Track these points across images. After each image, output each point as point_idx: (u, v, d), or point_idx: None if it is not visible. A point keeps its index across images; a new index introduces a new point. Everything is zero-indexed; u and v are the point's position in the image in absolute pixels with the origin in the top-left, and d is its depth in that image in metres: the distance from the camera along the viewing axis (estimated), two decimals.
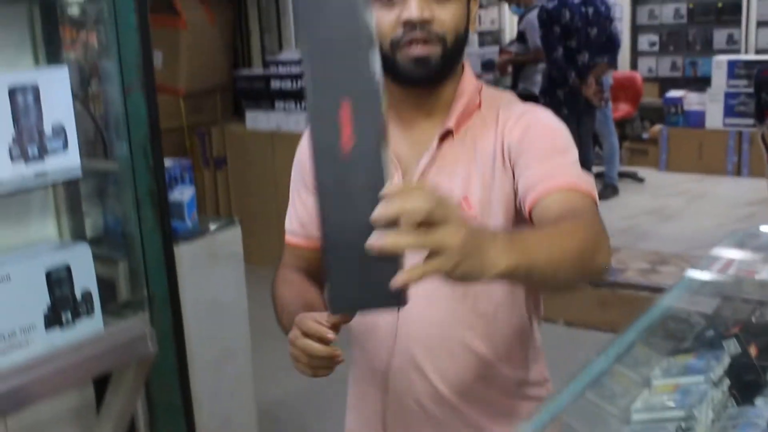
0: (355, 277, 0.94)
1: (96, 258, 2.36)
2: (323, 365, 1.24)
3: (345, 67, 0.92)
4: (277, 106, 5.32)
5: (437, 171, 1.45)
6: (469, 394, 1.47)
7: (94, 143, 2.40)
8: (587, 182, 1.34)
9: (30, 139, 1.83)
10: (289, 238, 1.59)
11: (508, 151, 1.41)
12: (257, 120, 5.48)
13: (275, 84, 5.30)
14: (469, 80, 1.49)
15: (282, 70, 5.37)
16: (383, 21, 1.35)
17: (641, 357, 1.39)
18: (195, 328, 2.69)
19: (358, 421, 1.61)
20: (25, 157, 1.83)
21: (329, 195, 0.92)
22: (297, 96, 5.20)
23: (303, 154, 1.57)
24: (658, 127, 7.96)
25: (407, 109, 1.47)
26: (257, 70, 5.88)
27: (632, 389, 1.30)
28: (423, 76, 1.39)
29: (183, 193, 2.74)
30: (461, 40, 1.40)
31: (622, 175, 7.24)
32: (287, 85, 5.25)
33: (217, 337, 2.81)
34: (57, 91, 1.87)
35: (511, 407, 1.51)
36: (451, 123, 1.45)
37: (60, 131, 1.86)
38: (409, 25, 1.34)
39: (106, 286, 2.37)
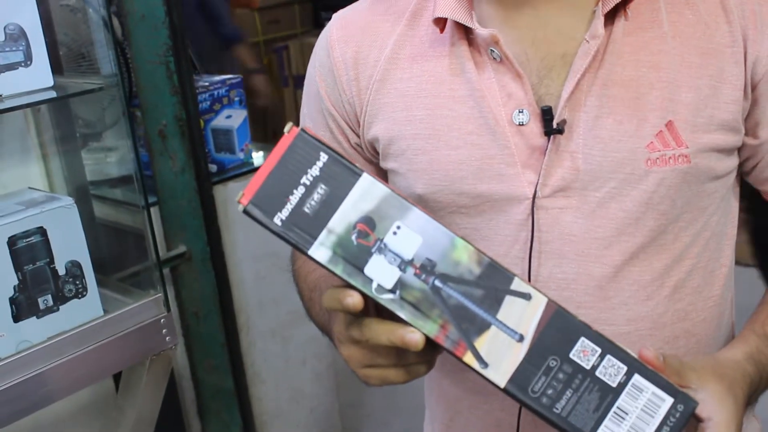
0: None
1: (112, 205, 1.82)
2: (415, 360, 0.75)
3: None
4: None
5: (608, 77, 0.83)
6: None
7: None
8: None
9: None
10: None
11: (752, 68, 0.85)
12: None
13: None
14: None
15: None
16: None
17: None
18: (252, 289, 2.14)
19: None
20: None
21: None
22: None
23: (324, 73, 0.97)
24: None
25: None
26: None
27: None
28: None
29: (231, 118, 2.15)
30: None
31: None
32: None
33: (281, 297, 2.24)
34: None
35: None
36: None
37: (18, 36, 1.28)
38: None
39: (124, 246, 1.83)
